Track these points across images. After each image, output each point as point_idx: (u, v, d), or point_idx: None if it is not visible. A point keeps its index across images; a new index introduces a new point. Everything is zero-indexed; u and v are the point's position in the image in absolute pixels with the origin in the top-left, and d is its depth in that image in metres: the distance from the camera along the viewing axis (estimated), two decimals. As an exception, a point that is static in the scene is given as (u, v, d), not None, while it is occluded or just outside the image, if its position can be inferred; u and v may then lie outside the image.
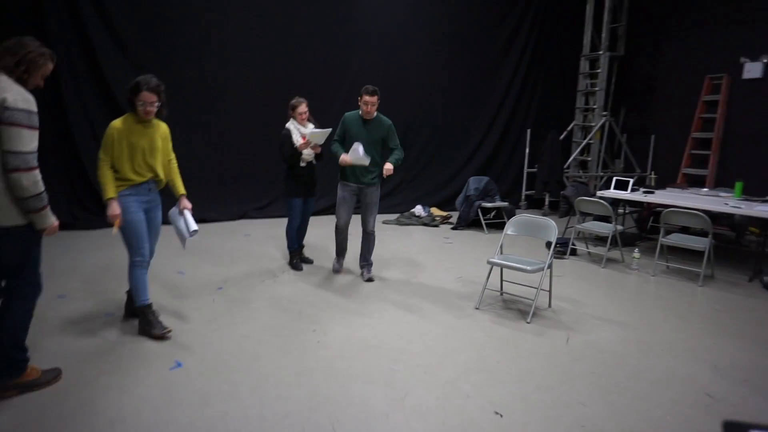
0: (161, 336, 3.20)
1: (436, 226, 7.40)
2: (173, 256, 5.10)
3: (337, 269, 4.84)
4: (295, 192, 4.72)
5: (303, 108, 4.67)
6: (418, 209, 7.64)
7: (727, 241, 6.58)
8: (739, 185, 5.81)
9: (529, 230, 4.19)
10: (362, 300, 4.14)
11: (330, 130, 4.58)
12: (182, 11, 6.46)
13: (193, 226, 3.44)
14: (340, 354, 3.15)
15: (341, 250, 4.87)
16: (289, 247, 4.94)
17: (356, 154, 4.22)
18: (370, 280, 4.63)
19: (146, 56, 6.29)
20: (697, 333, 3.72)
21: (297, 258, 4.95)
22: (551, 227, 4.00)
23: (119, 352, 3.05)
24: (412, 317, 3.81)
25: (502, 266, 4.04)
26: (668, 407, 2.67)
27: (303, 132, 4.63)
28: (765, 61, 7.40)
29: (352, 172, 4.43)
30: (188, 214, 3.47)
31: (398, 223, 7.41)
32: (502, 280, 4.37)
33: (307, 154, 4.63)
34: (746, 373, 3.12)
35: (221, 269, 4.79)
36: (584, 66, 9.06)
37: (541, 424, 2.47)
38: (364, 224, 4.64)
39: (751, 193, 5.87)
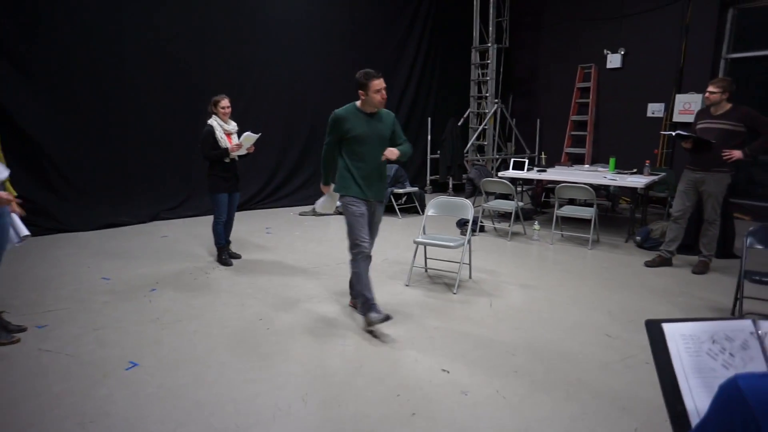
0: (8, 343, 3.16)
1: (352, 214, 7.67)
2: (91, 263, 4.89)
3: (386, 316, 3.33)
4: (220, 187, 4.74)
5: (225, 102, 4.72)
6: (333, 199, 7.84)
7: (604, 210, 7.57)
8: (612, 161, 6.74)
9: (448, 210, 4.62)
10: (300, 288, 4.32)
11: (260, 134, 4.71)
12: (69, 5, 6.04)
13: (24, 230, 3.20)
14: (291, 337, 3.34)
15: (369, 285, 3.45)
16: (217, 243, 4.95)
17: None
18: (387, 318, 3.33)
19: (32, 56, 5.84)
20: (592, 288, 4.38)
21: (225, 254, 4.98)
22: (468, 206, 4.46)
23: (62, 361, 2.98)
24: (349, 298, 4.07)
25: (427, 245, 4.43)
26: (579, 348, 3.21)
27: (227, 128, 4.68)
28: (622, 53, 8.53)
29: (371, 184, 3.40)
30: (17, 218, 3.19)
31: (314, 214, 7.58)
32: (426, 258, 4.77)
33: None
34: (631, 314, 3.78)
35: (148, 271, 4.69)
36: (475, 57, 9.77)
37: (482, 373, 2.87)
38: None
39: (621, 167, 6.83)
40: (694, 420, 1.12)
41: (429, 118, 9.39)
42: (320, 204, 3.78)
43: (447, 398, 2.63)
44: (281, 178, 8.15)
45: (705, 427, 0.99)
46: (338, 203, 3.56)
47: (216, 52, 7.19)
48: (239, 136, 4.79)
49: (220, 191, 4.75)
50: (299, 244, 5.79)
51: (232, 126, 4.78)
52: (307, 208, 7.75)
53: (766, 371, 1.10)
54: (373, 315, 3.33)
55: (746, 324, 1.23)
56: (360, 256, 3.40)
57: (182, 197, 7.15)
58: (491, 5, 9.31)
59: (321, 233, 6.42)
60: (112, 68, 6.38)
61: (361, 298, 3.41)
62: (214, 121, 4.67)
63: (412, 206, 7.76)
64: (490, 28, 9.40)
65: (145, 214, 6.77)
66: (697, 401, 1.15)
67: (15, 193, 3.24)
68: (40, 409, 2.48)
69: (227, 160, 4.69)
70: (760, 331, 1.20)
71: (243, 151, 4.72)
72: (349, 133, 3.33)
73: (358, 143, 3.35)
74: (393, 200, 7.50)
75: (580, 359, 3.07)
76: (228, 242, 5.07)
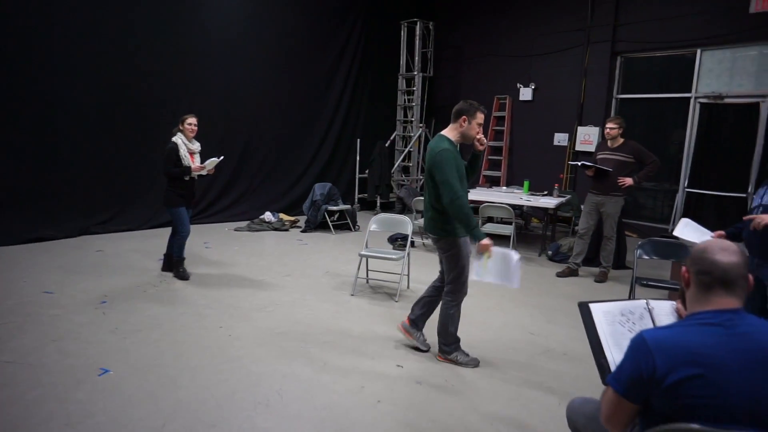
0: None
1: (287, 230, 7.90)
2: (26, 277, 4.76)
3: (476, 360, 3.39)
4: (178, 201, 4.80)
5: (192, 120, 4.84)
6: (268, 215, 8.04)
7: (518, 227, 8.39)
8: (526, 183, 7.57)
9: (389, 226, 5.07)
10: (252, 298, 4.53)
11: (222, 158, 4.94)
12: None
13: None
14: (255, 342, 3.58)
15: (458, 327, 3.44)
16: (177, 256, 4.96)
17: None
18: (477, 363, 3.38)
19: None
20: (514, 295, 4.98)
21: (182, 267, 4.99)
22: (407, 223, 4.93)
23: (27, 370, 3.02)
24: (302, 308, 4.36)
25: (372, 257, 4.83)
26: (510, 344, 3.75)
27: (191, 147, 4.86)
28: (533, 87, 9.56)
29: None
30: None
31: (249, 229, 7.72)
32: (368, 270, 5.16)
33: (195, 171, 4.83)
34: (549, 316, 4.41)
35: (92, 285, 4.66)
36: (402, 84, 10.44)
37: (432, 367, 3.31)
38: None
39: (532, 189, 7.68)
40: (613, 367, 1.61)
41: (358, 140, 9.87)
42: (501, 265, 3.04)
43: (405, 388, 3.03)
44: (214, 194, 8.20)
45: (622, 368, 1.47)
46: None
47: (151, 67, 7.17)
48: (201, 157, 4.92)
49: (178, 205, 4.80)
50: (241, 258, 5.95)
51: (196, 146, 4.90)
52: (242, 224, 7.88)
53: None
54: (463, 357, 3.37)
55: (641, 302, 1.77)
56: (462, 299, 3.34)
57: (113, 211, 7.01)
58: (417, 37, 10.05)
59: (260, 248, 6.60)
60: (35, 75, 6.15)
61: (452, 338, 3.37)
62: (178, 139, 4.77)
63: (345, 223, 8.12)
64: (416, 58, 10.12)
65: (73, 228, 6.56)
66: (614, 355, 1.66)
67: None
68: (20, 416, 2.55)
69: (187, 179, 4.81)
70: (650, 307, 1.74)
71: (204, 172, 4.87)
72: (459, 170, 3.13)
73: (462, 177, 3.17)
74: (327, 217, 7.83)
75: (511, 353, 3.60)
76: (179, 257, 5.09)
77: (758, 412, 1.31)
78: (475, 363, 3.36)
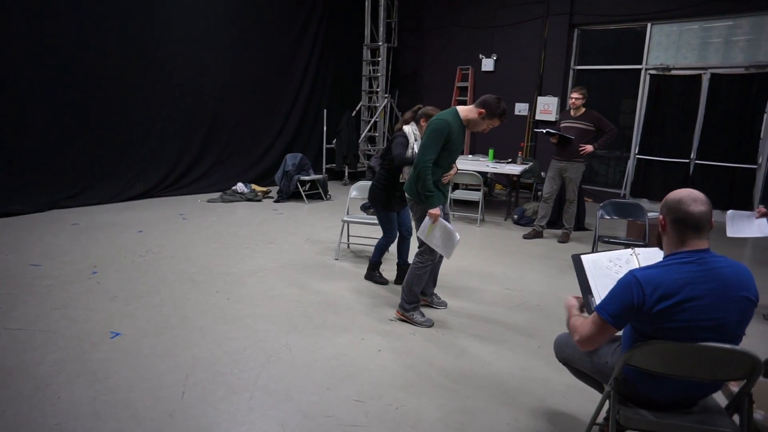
0: None
1: (260, 200, 8.00)
2: (7, 251, 4.74)
3: (431, 322, 3.57)
4: (395, 206, 4.22)
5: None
6: (240, 186, 8.10)
7: (484, 194, 8.80)
8: (491, 152, 7.93)
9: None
10: (241, 265, 4.70)
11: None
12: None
13: None
14: (253, 304, 3.79)
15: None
16: (374, 259, 4.42)
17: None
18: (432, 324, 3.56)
19: None
20: (487, 256, 5.37)
21: (378, 271, 4.43)
22: (387, 190, 5.17)
23: (40, 336, 3.13)
24: (291, 271, 4.57)
25: (356, 223, 5.06)
26: (490, 297, 4.12)
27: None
28: (495, 58, 9.86)
29: (444, 186, 3.56)
30: None
31: (223, 200, 7.77)
32: (348, 236, 5.41)
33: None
34: (520, 273, 4.81)
35: (78, 256, 4.70)
36: (367, 54, 10.51)
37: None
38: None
39: (496, 157, 8.06)
40: (598, 302, 1.94)
41: (324, 110, 9.94)
42: (444, 237, 3.30)
43: (401, 338, 3.34)
44: (185, 166, 8.16)
45: (612, 299, 1.77)
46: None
47: (118, 42, 7.01)
48: None
49: (393, 210, 4.21)
50: (221, 228, 6.05)
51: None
52: (215, 195, 7.92)
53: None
54: (419, 317, 3.53)
55: (628, 250, 2.10)
56: (431, 262, 3.50)
57: (83, 185, 6.91)
58: (381, 7, 10.10)
59: (237, 218, 6.71)
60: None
61: (414, 298, 3.53)
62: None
63: (316, 192, 8.28)
64: (381, 28, 10.19)
65: (42, 202, 6.45)
66: (601, 293, 1.99)
67: None
68: (49, 373, 2.70)
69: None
70: (636, 252, 2.08)
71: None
72: (451, 145, 3.27)
73: (451, 154, 3.34)
74: (299, 187, 7.97)
75: (492, 306, 3.96)
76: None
77: (718, 329, 1.67)
78: (429, 323, 3.52)
